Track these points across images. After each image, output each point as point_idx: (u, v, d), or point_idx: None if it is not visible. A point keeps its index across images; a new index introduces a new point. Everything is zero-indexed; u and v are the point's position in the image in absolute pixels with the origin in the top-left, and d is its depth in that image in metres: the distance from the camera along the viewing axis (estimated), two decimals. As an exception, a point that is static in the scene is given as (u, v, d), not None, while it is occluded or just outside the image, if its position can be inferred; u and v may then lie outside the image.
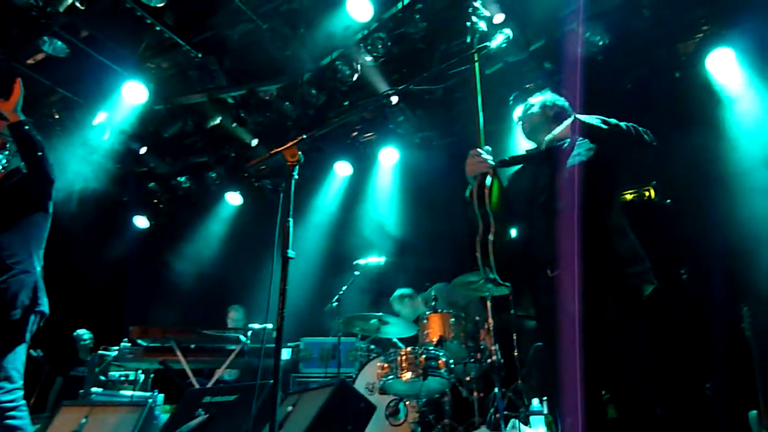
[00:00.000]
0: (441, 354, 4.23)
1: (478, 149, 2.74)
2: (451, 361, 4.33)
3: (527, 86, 5.83)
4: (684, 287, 4.92)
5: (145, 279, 7.94)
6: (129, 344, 5.31)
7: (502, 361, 4.75)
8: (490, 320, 4.79)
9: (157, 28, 5.38)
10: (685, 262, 5.00)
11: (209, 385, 5.12)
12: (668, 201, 5.07)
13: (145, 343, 5.26)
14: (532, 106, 2.98)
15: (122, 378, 5.70)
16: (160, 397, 5.06)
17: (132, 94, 5.92)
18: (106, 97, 6.09)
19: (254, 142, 6.92)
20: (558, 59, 5.63)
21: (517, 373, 4.79)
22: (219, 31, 5.65)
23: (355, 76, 5.62)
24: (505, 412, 4.24)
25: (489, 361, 4.70)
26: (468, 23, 4.70)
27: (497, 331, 4.78)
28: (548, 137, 2.83)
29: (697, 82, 5.43)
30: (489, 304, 4.93)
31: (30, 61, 5.88)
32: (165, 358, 5.20)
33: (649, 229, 4.62)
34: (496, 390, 4.42)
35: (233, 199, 7.99)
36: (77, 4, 4.89)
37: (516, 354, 4.86)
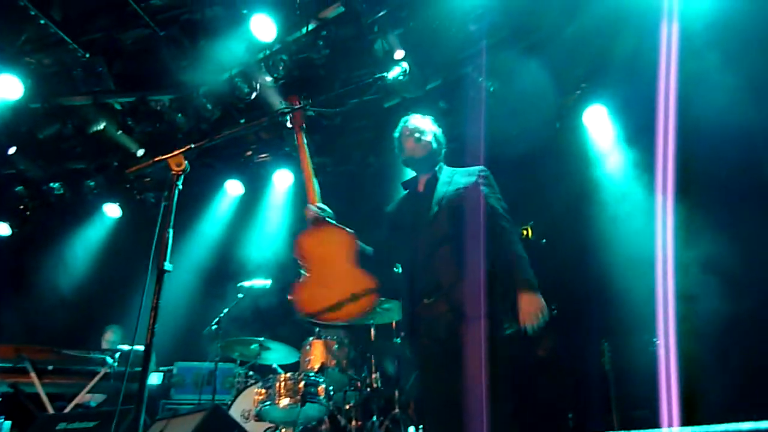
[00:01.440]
0: (321, 381, 4.18)
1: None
2: (331, 388, 4.29)
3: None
4: (553, 322, 5.25)
5: (2, 292, 7.18)
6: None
7: (382, 389, 4.78)
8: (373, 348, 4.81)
9: (42, 22, 5.01)
10: (555, 299, 5.34)
11: (67, 410, 4.69)
12: (543, 240, 5.43)
13: (-8, 363, 4.73)
14: (426, 132, 3.14)
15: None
16: (7, 424, 4.56)
17: (4, 89, 5.42)
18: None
19: (140, 152, 6.54)
20: (452, 100, 5.92)
21: (395, 401, 4.83)
22: (111, 32, 5.35)
23: (254, 95, 5.54)
24: (382, 441, 4.26)
25: (369, 389, 4.71)
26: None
27: (379, 359, 4.80)
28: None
29: (574, 133, 5.94)
30: (372, 331, 4.97)
31: None
32: (17, 381, 4.70)
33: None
34: (374, 418, 4.43)
35: (112, 210, 7.48)
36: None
37: (396, 382, 4.92)
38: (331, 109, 3.36)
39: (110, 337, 6.38)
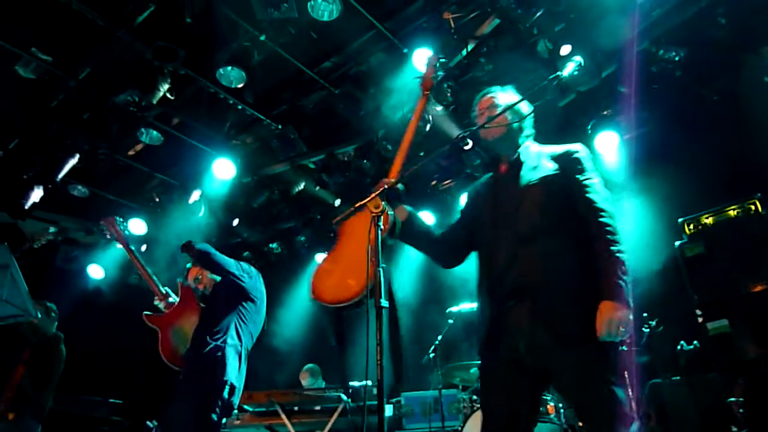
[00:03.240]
0: (549, 399, 4.03)
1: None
2: (561, 405, 4.12)
3: (604, 113, 5.71)
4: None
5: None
6: (236, 410, 5.44)
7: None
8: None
9: (239, 107, 5.76)
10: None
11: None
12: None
13: (250, 408, 5.37)
14: (500, 107, 2.63)
15: (233, 445, 5.80)
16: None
17: (222, 171, 6.31)
18: (199, 177, 6.52)
19: (337, 202, 7.13)
20: (633, 82, 5.48)
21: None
22: (295, 101, 5.96)
23: (428, 127, 5.71)
24: (627, 457, 3.95)
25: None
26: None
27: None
28: None
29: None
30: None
31: (131, 153, 6.44)
32: (271, 422, 5.27)
33: (759, 245, 4.26)
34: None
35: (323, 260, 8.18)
36: (168, 95, 5.33)
37: (630, 393, 4.55)
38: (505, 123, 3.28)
39: (306, 378, 6.87)
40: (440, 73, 3.03)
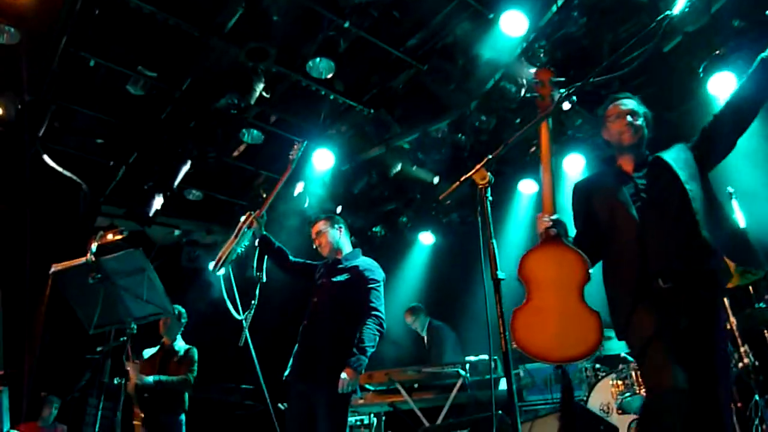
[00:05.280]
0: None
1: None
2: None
3: (717, 52, 5.21)
4: None
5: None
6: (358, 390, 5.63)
7: (756, 363, 4.14)
8: (732, 318, 4.21)
9: (331, 97, 5.87)
10: None
11: (439, 421, 5.20)
12: None
13: (372, 388, 5.53)
14: (639, 115, 2.81)
15: (358, 423, 6.03)
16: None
17: (321, 161, 6.47)
18: (300, 169, 6.72)
19: (436, 180, 7.10)
20: (749, 13, 4.97)
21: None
22: (384, 83, 5.97)
23: (522, 92, 5.51)
24: (775, 421, 3.67)
25: (740, 365, 4.13)
26: None
27: (742, 329, 4.19)
28: None
29: None
30: (726, 300, 4.36)
31: (235, 154, 6.77)
32: (393, 400, 5.40)
33: None
34: (757, 397, 3.85)
35: (426, 239, 8.21)
36: (263, 94, 5.52)
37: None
38: (608, 75, 3.07)
39: (410, 317, 6.95)
40: (560, 91, 2.87)
